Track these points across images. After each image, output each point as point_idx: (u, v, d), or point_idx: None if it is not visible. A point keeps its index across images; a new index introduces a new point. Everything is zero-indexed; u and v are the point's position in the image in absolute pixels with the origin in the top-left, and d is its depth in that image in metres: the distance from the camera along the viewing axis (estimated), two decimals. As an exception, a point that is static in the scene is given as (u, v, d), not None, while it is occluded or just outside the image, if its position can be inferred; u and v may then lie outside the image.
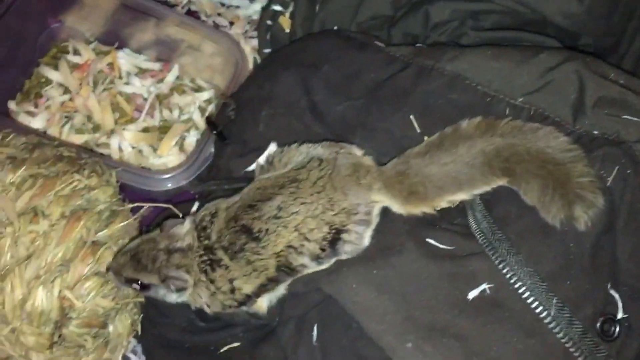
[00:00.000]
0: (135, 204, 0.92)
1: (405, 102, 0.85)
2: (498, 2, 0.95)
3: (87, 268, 0.80)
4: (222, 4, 1.33)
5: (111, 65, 1.22)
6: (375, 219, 0.77)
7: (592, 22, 0.95)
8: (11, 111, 1.17)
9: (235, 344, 0.84)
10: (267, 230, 0.75)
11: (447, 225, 0.77)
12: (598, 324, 0.69)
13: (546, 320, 0.68)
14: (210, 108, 1.20)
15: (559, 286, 0.69)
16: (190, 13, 1.29)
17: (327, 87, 0.91)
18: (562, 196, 0.70)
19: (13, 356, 0.78)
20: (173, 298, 0.81)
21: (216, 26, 1.29)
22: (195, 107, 1.20)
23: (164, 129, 1.17)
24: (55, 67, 1.21)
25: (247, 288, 0.77)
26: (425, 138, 0.80)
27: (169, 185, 1.02)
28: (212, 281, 0.77)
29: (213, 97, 1.22)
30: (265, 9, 1.17)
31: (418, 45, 0.96)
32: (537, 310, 0.69)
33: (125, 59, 1.23)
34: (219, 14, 1.32)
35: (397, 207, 0.77)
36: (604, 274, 0.71)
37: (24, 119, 1.15)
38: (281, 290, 0.79)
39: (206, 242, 0.78)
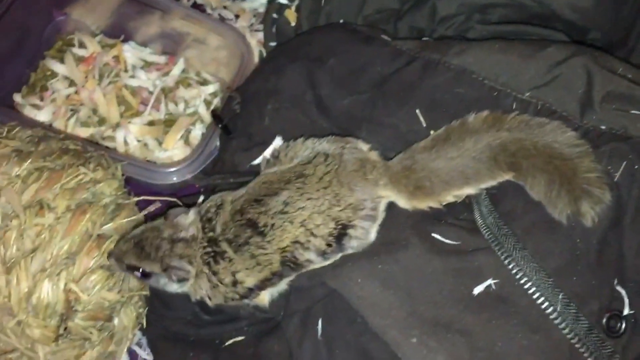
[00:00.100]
0: (141, 198, 0.92)
1: (411, 97, 0.84)
2: (505, -5, 0.95)
3: (92, 261, 0.80)
4: (228, -3, 1.33)
5: (117, 59, 1.22)
6: (381, 215, 0.77)
7: (600, 15, 0.95)
8: (17, 104, 1.17)
9: (240, 338, 0.84)
10: (272, 225, 0.75)
11: (452, 220, 0.77)
12: (604, 320, 0.69)
13: (552, 316, 0.68)
14: (216, 101, 1.20)
15: (565, 282, 0.69)
16: (196, 6, 1.29)
17: (333, 80, 0.90)
18: (569, 192, 0.70)
19: (19, 349, 0.79)
20: (174, 288, 0.81)
21: (222, 19, 1.29)
22: (200, 100, 1.20)
23: (169, 122, 1.17)
24: (61, 60, 1.21)
25: (250, 281, 0.77)
26: (431, 132, 0.80)
27: (174, 179, 1.02)
28: (214, 273, 0.77)
29: (218, 90, 1.22)
30: (271, 2, 1.16)
31: (424, 39, 0.96)
32: (543, 306, 0.68)
33: (130, 52, 1.23)
34: (224, 7, 1.31)
35: (403, 202, 0.77)
36: (610, 270, 0.70)
37: (29, 112, 1.15)
38: (283, 285, 0.80)
39: (211, 234, 0.78)
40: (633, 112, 0.75)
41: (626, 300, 0.70)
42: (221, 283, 0.77)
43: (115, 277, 0.83)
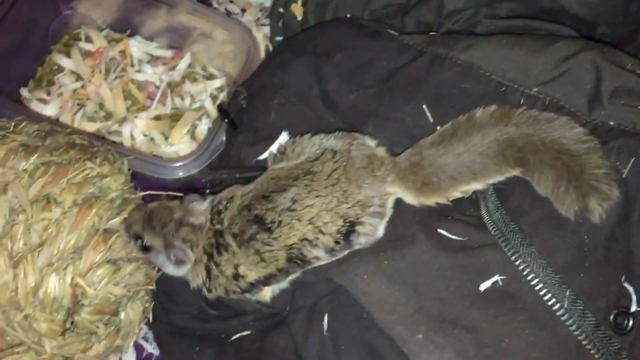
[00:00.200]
0: (147, 192, 0.93)
1: (418, 92, 0.84)
2: (513, -10, 0.94)
3: (99, 256, 0.81)
4: (234, -9, 1.33)
5: (123, 53, 1.22)
6: (389, 211, 0.77)
7: (609, 10, 0.94)
8: (24, 98, 1.17)
9: (246, 332, 0.84)
10: (280, 222, 0.75)
11: (459, 216, 0.77)
12: (611, 317, 0.69)
13: (559, 313, 0.68)
14: (222, 96, 1.20)
15: (572, 278, 0.69)
16: (202, 0, 1.29)
17: (340, 75, 0.90)
18: (577, 188, 0.69)
19: (26, 342, 0.79)
20: (170, 269, 0.83)
21: (228, 13, 1.28)
22: (206, 95, 1.20)
23: (175, 117, 1.17)
24: (68, 55, 1.21)
25: (252, 276, 0.77)
26: (438, 128, 0.80)
27: (180, 174, 1.02)
28: (216, 264, 0.78)
29: (225, 85, 1.22)
30: (277, -4, 1.16)
31: (431, 33, 0.95)
32: (550, 303, 0.68)
33: (137, 47, 1.23)
34: (231, 1, 1.31)
35: (410, 199, 0.77)
36: (618, 267, 0.70)
37: (36, 106, 1.16)
38: (287, 281, 0.80)
39: (218, 226, 0.78)
40: (642, 107, 0.75)
41: (634, 297, 0.70)
42: (222, 274, 0.78)
43: (121, 272, 0.83)
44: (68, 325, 0.80)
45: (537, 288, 0.69)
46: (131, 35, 1.24)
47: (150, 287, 0.89)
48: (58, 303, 0.78)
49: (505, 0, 0.96)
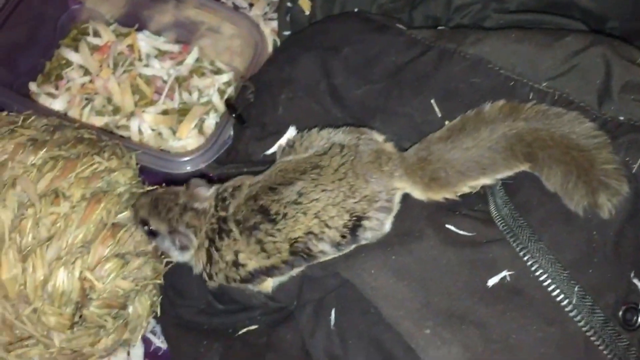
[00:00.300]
0: (155, 187, 0.93)
1: (426, 86, 0.84)
2: (522, -16, 0.94)
3: (107, 250, 0.81)
4: (242, -14, 1.33)
5: (131, 47, 1.22)
6: (396, 206, 0.76)
7: (619, 4, 0.93)
8: (32, 93, 1.18)
9: (253, 327, 0.85)
10: (285, 214, 0.75)
11: (467, 211, 0.77)
12: (620, 313, 0.68)
13: (567, 309, 0.68)
14: (230, 91, 1.20)
15: (581, 274, 0.68)
16: (210, -6, 1.29)
17: (347, 70, 0.90)
18: (586, 183, 0.69)
19: (34, 336, 0.79)
20: (175, 255, 0.84)
21: (236, 8, 1.28)
22: (214, 89, 1.20)
23: (183, 111, 1.18)
24: (76, 49, 1.21)
25: (251, 265, 0.77)
26: (446, 122, 0.79)
27: (188, 168, 1.02)
28: (217, 249, 0.78)
29: (232, 79, 1.22)
30: (285, -10, 1.16)
31: (440, 28, 0.94)
32: (558, 299, 0.68)
33: (145, 41, 1.23)
34: (238, -4, 1.31)
35: (418, 194, 0.77)
36: (627, 263, 0.70)
37: (44, 100, 1.16)
38: (288, 277, 0.80)
39: (222, 213, 0.79)
40: (652, 102, 0.74)
41: (643, 293, 0.70)
42: (222, 259, 0.78)
43: (129, 266, 0.83)
44: (76, 318, 0.80)
45: (546, 284, 0.69)
46: (139, 29, 1.24)
47: (158, 281, 0.90)
48: (67, 297, 0.78)
49: (515, -6, 0.96)
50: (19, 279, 0.77)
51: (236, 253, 0.77)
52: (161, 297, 0.91)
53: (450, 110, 0.81)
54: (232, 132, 1.02)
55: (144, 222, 0.83)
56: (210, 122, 1.17)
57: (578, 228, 0.70)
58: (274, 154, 0.87)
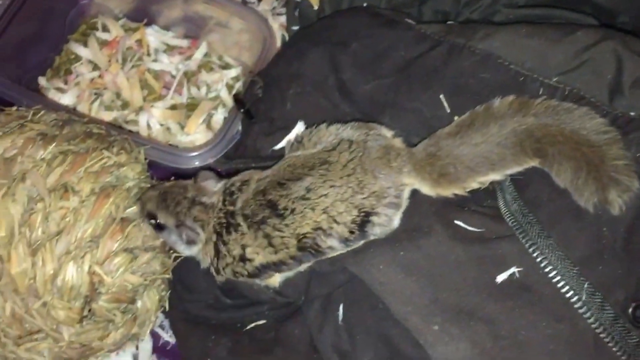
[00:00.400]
0: (163, 182, 0.93)
1: (435, 81, 0.83)
2: (533, -22, 0.93)
3: (116, 244, 0.81)
4: (251, -20, 1.32)
5: (140, 42, 1.22)
6: (405, 202, 0.76)
7: (630, -1, 0.93)
8: (42, 87, 1.18)
9: (261, 322, 0.85)
10: (293, 209, 0.75)
11: (476, 207, 0.76)
12: (630, 310, 0.68)
13: (577, 305, 0.67)
14: (238, 86, 1.20)
15: (590, 271, 0.68)
16: (218, -11, 1.29)
17: (356, 65, 0.89)
18: (596, 179, 0.69)
19: (44, 330, 0.80)
20: (181, 248, 0.84)
21: (244, 3, 1.27)
22: (222, 84, 1.20)
23: (191, 106, 1.18)
24: (85, 44, 1.22)
25: (259, 260, 0.77)
26: (455, 118, 0.79)
27: (197, 163, 1.02)
28: (224, 243, 0.78)
29: (241, 74, 1.22)
30: (293, -15, 1.15)
31: (449, 22, 0.94)
32: (568, 295, 0.68)
33: (153, 36, 1.23)
34: (247, -10, 1.31)
35: (427, 190, 0.76)
36: (637, 259, 0.69)
37: (54, 95, 1.16)
38: (294, 272, 0.80)
39: (230, 207, 0.79)
40: (664, 98, 0.74)
41: (653, 291, 0.69)
42: (229, 254, 0.78)
43: (138, 260, 0.84)
44: (86, 312, 0.81)
45: (555, 280, 0.68)
46: (148, 24, 1.24)
47: (167, 276, 0.90)
48: (76, 291, 0.79)
49: (525, -11, 0.95)
50: (28, 273, 0.77)
51: (243, 247, 0.77)
52: (170, 291, 0.92)
53: (459, 106, 0.80)
54: (240, 127, 1.02)
55: (151, 216, 0.83)
56: (219, 117, 1.17)
57: (588, 224, 0.70)
58: (282, 149, 0.87)
